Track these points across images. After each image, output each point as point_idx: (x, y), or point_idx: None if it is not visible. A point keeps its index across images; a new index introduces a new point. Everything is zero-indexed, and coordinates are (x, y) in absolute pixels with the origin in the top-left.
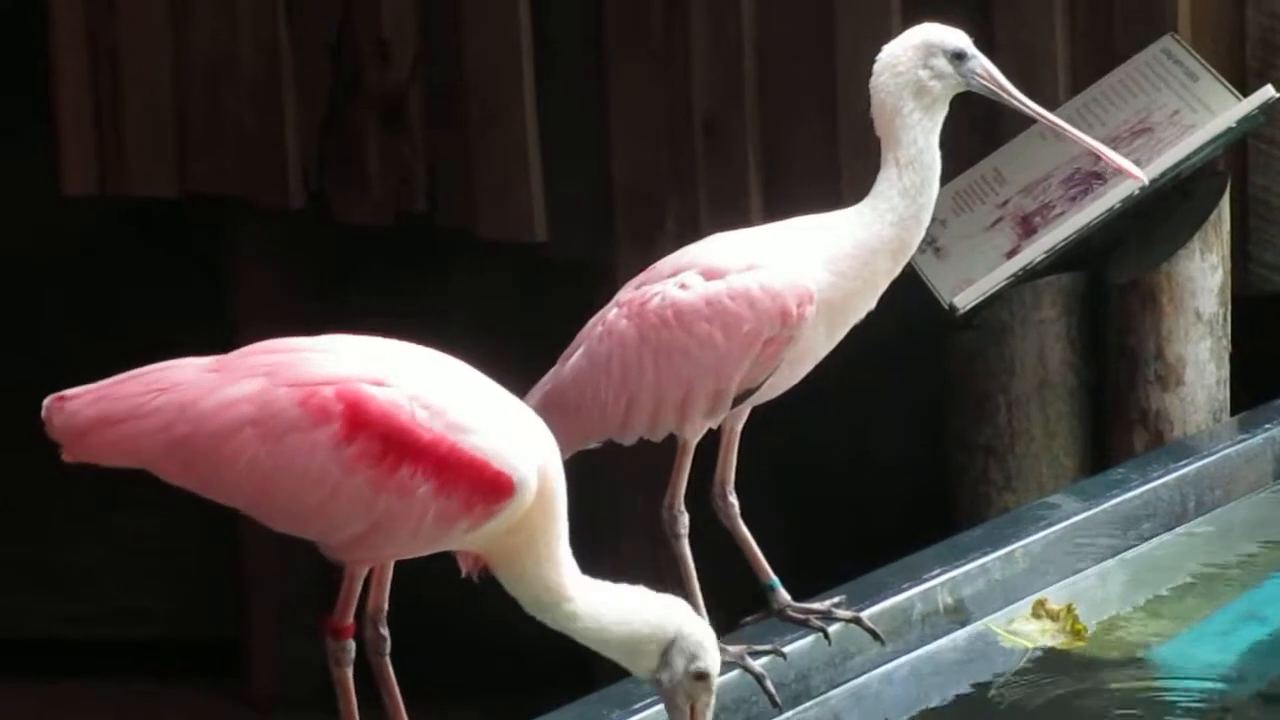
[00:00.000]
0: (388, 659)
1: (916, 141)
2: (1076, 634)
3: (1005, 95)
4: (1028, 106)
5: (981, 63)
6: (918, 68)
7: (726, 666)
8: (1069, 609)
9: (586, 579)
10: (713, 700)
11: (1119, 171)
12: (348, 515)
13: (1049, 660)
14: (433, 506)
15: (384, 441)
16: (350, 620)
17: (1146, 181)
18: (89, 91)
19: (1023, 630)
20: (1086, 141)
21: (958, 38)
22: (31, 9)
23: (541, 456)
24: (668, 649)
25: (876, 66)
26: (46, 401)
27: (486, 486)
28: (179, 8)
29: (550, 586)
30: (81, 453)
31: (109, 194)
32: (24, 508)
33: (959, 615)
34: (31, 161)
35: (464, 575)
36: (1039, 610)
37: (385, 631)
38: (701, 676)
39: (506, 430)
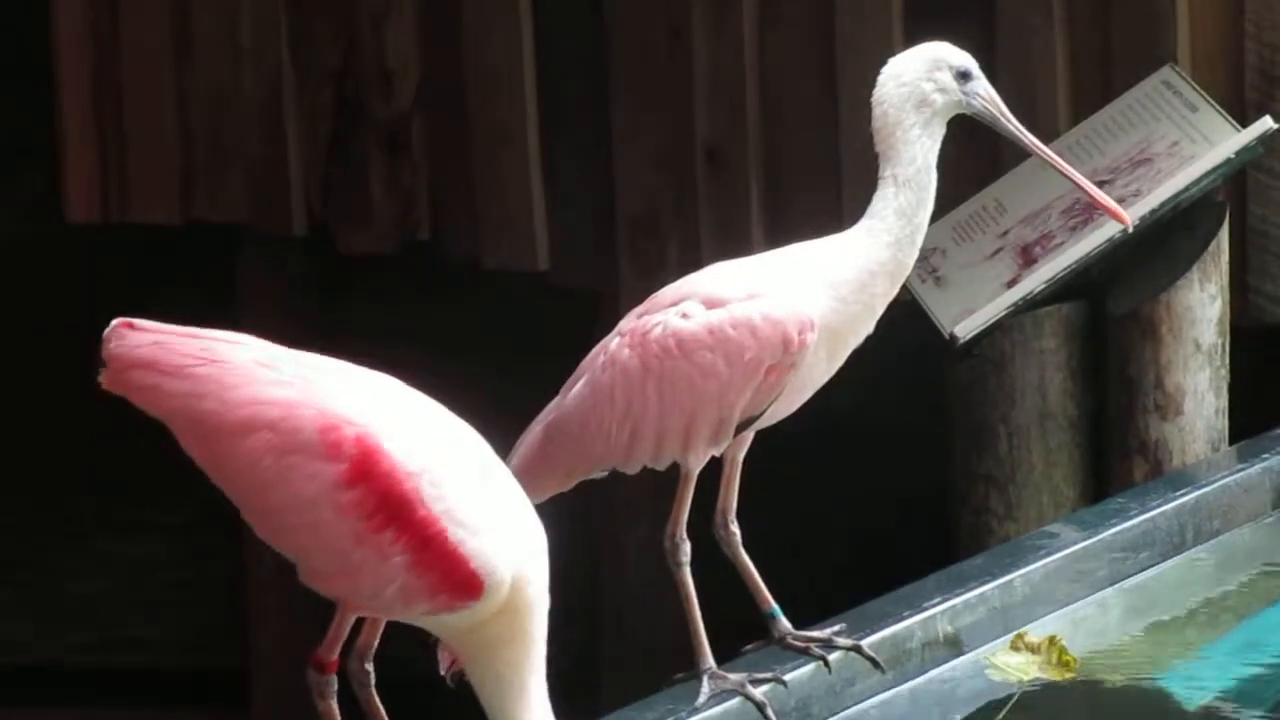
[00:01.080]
0: (373, 692)
1: (915, 160)
2: (1065, 665)
3: (1004, 121)
4: (1024, 136)
5: (984, 86)
6: (922, 80)
7: (728, 695)
8: (1052, 640)
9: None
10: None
11: (1104, 212)
12: (324, 552)
13: (1049, 690)
14: (401, 578)
15: (381, 500)
16: (335, 657)
17: (1131, 226)
18: (93, 120)
19: (1008, 663)
20: (1077, 179)
21: (965, 57)
22: (38, 39)
23: (525, 565)
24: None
25: (882, 76)
26: (113, 323)
27: (456, 582)
28: (182, 37)
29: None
30: (120, 385)
31: (112, 221)
32: (27, 536)
33: (959, 644)
34: (38, 189)
35: (442, 675)
36: (1018, 643)
37: (370, 667)
38: (964, 73)
39: (498, 532)
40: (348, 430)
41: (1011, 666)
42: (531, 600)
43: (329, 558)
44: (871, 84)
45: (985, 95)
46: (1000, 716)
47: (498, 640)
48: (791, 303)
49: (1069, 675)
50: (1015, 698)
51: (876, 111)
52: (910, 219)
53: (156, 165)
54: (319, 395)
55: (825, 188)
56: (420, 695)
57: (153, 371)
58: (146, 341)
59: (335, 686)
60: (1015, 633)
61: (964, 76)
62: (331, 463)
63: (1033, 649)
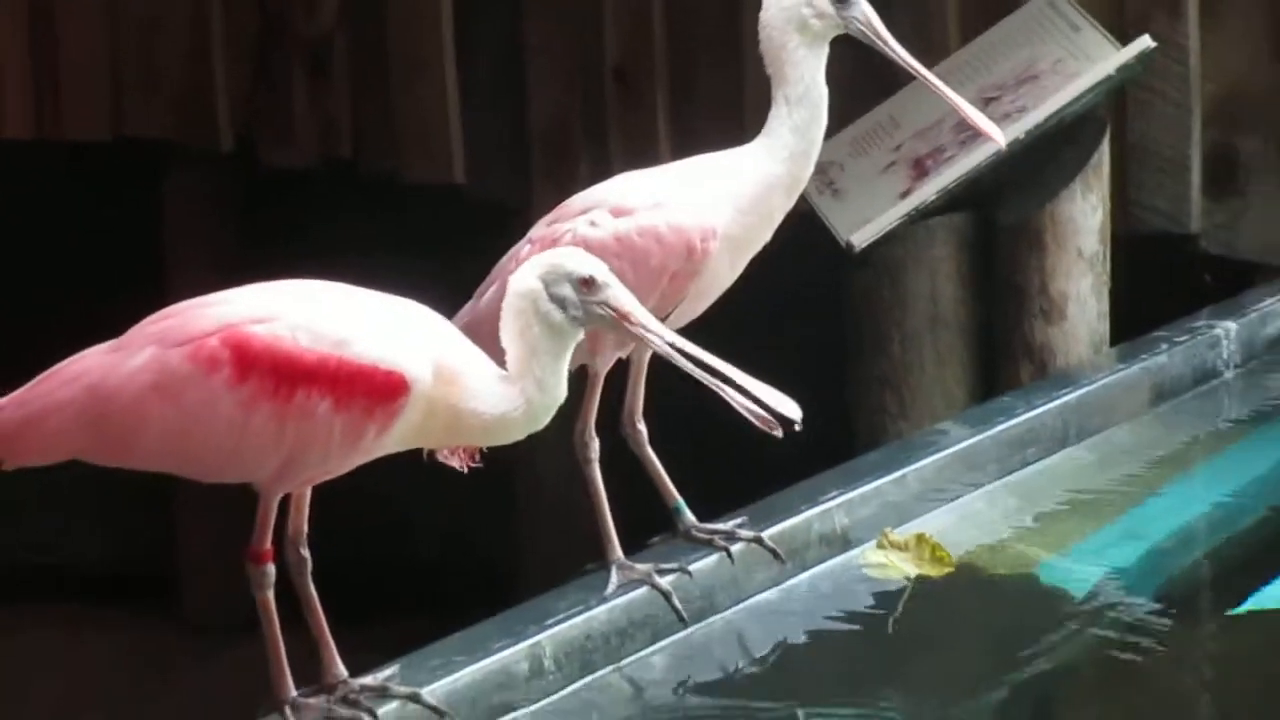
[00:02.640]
0: (309, 579)
1: (804, 78)
2: (940, 561)
3: (881, 44)
4: (902, 57)
5: (863, 9)
6: (801, 5)
7: (635, 584)
8: (920, 538)
9: (492, 379)
10: (619, 289)
11: (978, 131)
12: (261, 452)
13: (939, 582)
14: (337, 421)
15: (274, 373)
16: (268, 546)
17: (1005, 145)
18: (28, 43)
19: (881, 562)
20: (953, 99)
21: None
22: None
23: (433, 347)
24: (549, 298)
25: (765, 2)
26: None
27: (380, 389)
28: None
29: (496, 416)
30: (17, 457)
31: (46, 137)
32: None
33: (855, 536)
34: None
35: (467, 470)
36: (884, 542)
37: (305, 553)
38: (588, 281)
39: (392, 333)
40: (211, 340)
41: (888, 564)
42: (456, 367)
43: (270, 453)
44: None
45: (863, 19)
46: (900, 607)
47: (456, 402)
48: (695, 212)
49: (946, 570)
50: (908, 589)
51: (762, 35)
52: (804, 134)
53: (88, 84)
54: (171, 334)
55: (729, 106)
56: (353, 576)
57: (33, 427)
58: (11, 411)
59: (272, 578)
60: (881, 532)
61: (841, 1)
62: (216, 373)
63: (898, 547)
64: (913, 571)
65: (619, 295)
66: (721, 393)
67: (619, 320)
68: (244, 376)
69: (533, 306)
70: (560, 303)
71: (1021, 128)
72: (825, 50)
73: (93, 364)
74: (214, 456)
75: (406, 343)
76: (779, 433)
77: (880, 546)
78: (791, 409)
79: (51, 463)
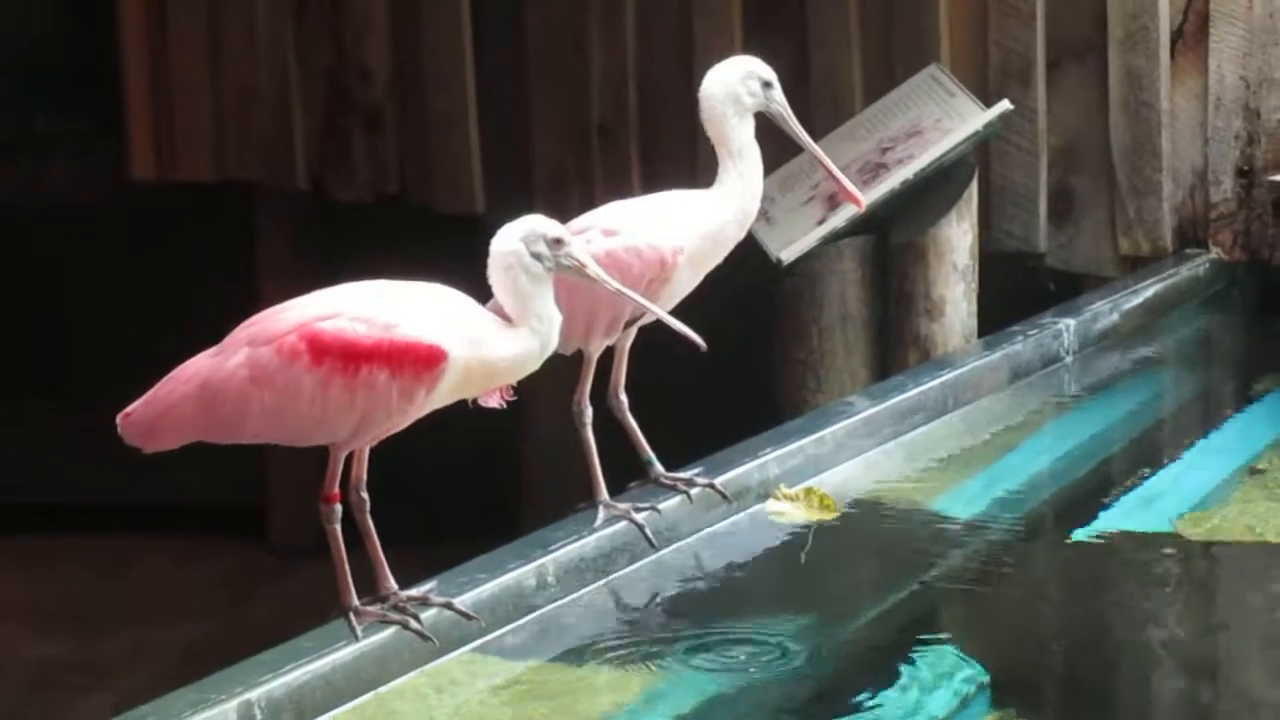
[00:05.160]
0: (368, 516)
1: (739, 138)
2: (826, 508)
3: (788, 122)
4: (801, 136)
5: (779, 95)
6: (737, 85)
7: (617, 519)
8: (809, 491)
9: (505, 332)
10: (578, 247)
11: (844, 198)
12: (339, 418)
13: (847, 516)
14: (394, 387)
15: (342, 356)
16: (336, 490)
17: (864, 207)
18: (150, 102)
19: (779, 510)
20: (831, 170)
21: (768, 71)
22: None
23: (459, 320)
24: (530, 255)
25: (707, 82)
26: (118, 419)
27: (424, 359)
28: (215, 43)
29: (518, 356)
30: (153, 445)
31: (164, 178)
32: (91, 391)
33: (785, 482)
34: (104, 153)
35: (503, 406)
36: (779, 494)
37: (365, 495)
38: (558, 240)
39: (428, 315)
40: (290, 337)
41: (784, 513)
42: (484, 340)
43: (346, 418)
44: None
45: (779, 101)
46: (811, 539)
47: (496, 361)
48: (667, 235)
49: (833, 515)
50: (816, 524)
51: (704, 107)
52: (749, 181)
53: (198, 136)
54: (258, 337)
55: (685, 155)
56: (399, 513)
57: (161, 422)
58: (141, 412)
59: (339, 514)
60: (776, 487)
61: (767, 85)
62: (297, 362)
63: (791, 498)
64: (803, 517)
65: (578, 251)
66: (658, 316)
67: (580, 268)
68: (319, 361)
69: (518, 262)
70: (537, 257)
71: (910, 170)
72: (752, 121)
73: (200, 367)
74: (303, 426)
75: (440, 320)
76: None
77: (776, 498)
78: (697, 339)
79: (180, 445)
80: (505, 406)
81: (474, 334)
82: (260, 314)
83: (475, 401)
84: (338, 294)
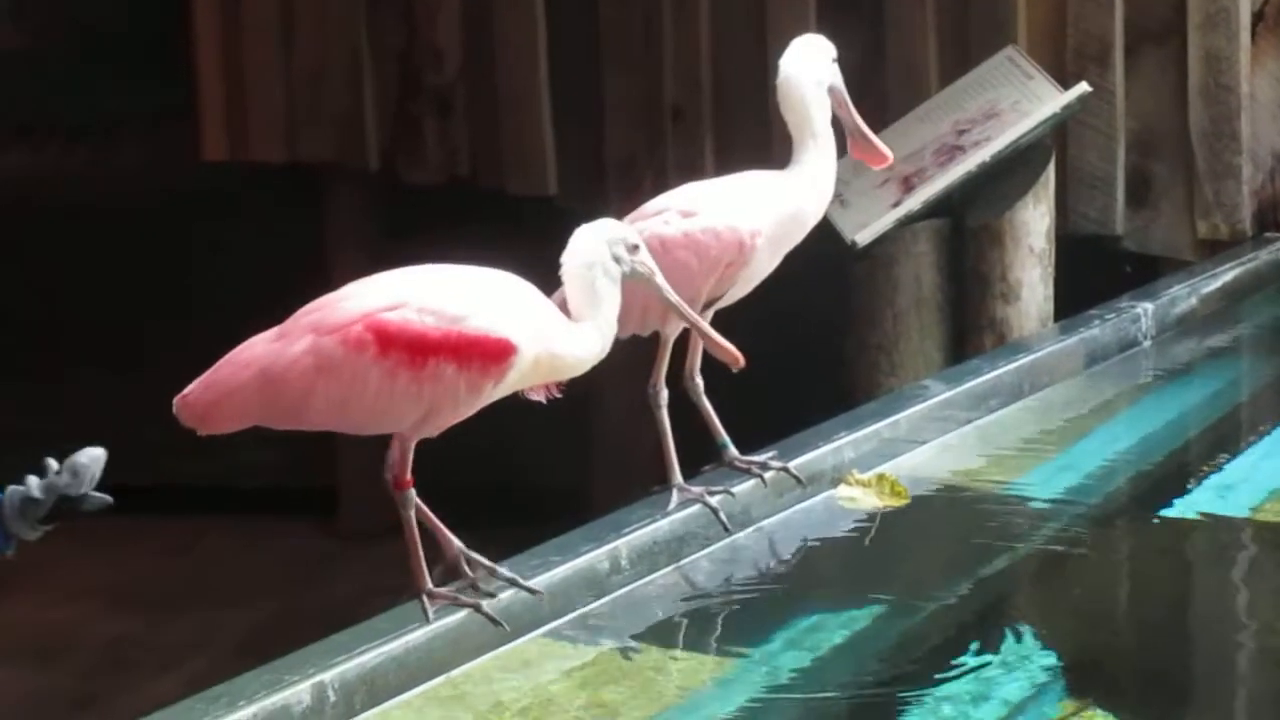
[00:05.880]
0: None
1: (820, 119)
2: (898, 495)
3: (846, 107)
4: (846, 108)
5: (836, 70)
6: (819, 64)
7: (691, 502)
8: (881, 477)
9: (573, 329)
10: (647, 253)
11: (870, 149)
12: (405, 409)
13: (923, 500)
14: (461, 380)
15: (409, 348)
16: (409, 476)
17: (891, 161)
18: (223, 85)
19: (850, 496)
20: (860, 125)
21: (832, 50)
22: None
23: (528, 313)
24: (612, 258)
25: (786, 63)
26: (174, 401)
27: (493, 353)
28: (287, 24)
29: (582, 355)
30: (210, 428)
31: (236, 159)
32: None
33: (859, 466)
34: (174, 134)
35: (545, 401)
36: (850, 480)
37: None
38: (635, 246)
39: (497, 306)
40: (356, 327)
41: (855, 498)
42: (550, 335)
43: (412, 409)
44: None
45: (841, 86)
46: (878, 522)
47: (563, 357)
48: (746, 216)
49: (904, 502)
50: (885, 512)
51: (785, 88)
52: (826, 161)
53: (270, 118)
54: (323, 325)
55: (759, 137)
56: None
57: (218, 406)
58: (199, 395)
59: (414, 499)
60: (847, 472)
61: (833, 60)
62: (364, 352)
63: (862, 484)
64: (875, 504)
65: (648, 258)
66: (696, 331)
67: (650, 274)
68: (386, 353)
69: (600, 262)
70: (617, 260)
71: (987, 152)
72: (829, 101)
73: (260, 352)
74: (368, 417)
75: (509, 313)
76: (739, 366)
77: (847, 483)
78: (736, 354)
79: (236, 430)
80: (546, 402)
81: (542, 328)
82: (320, 300)
83: (522, 391)
84: (401, 281)
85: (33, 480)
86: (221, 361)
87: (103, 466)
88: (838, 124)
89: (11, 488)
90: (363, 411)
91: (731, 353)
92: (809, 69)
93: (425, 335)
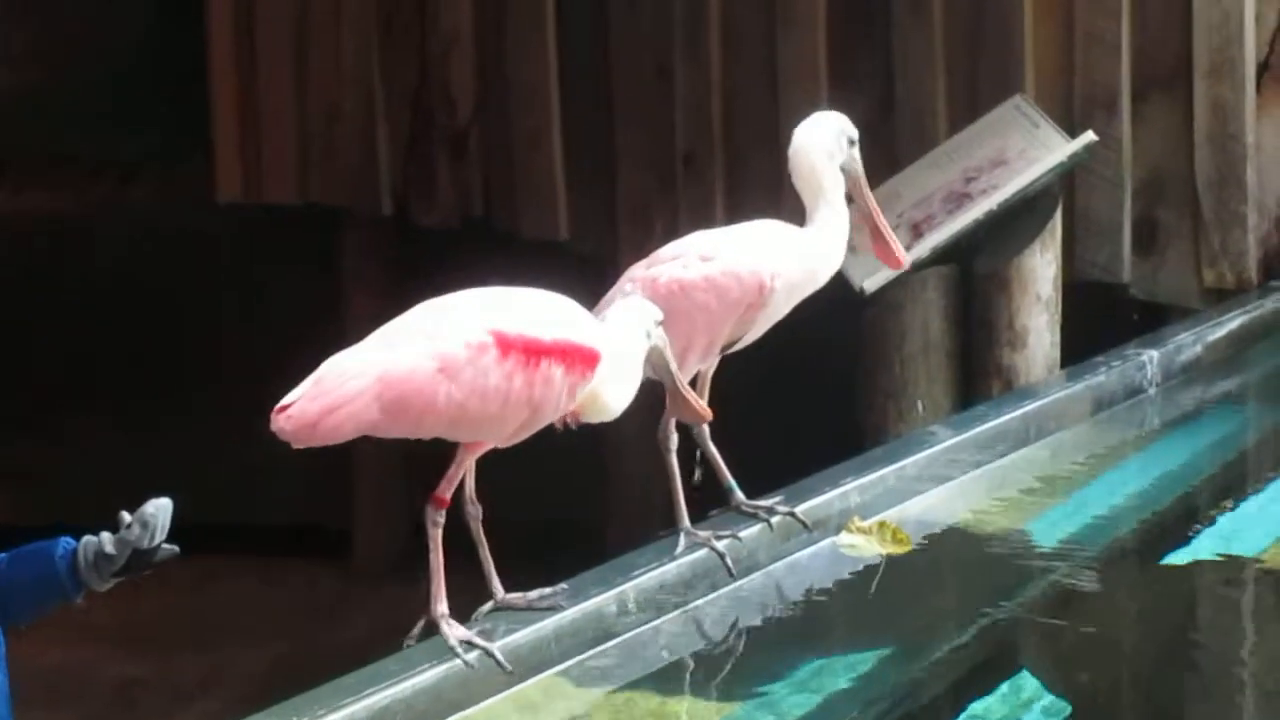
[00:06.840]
0: (480, 526)
1: (834, 189)
2: (900, 542)
3: (859, 182)
4: (867, 197)
5: (857, 154)
6: (832, 140)
7: (698, 546)
8: (882, 524)
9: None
10: (661, 335)
11: (887, 250)
12: (515, 411)
13: (931, 543)
14: (565, 383)
15: (525, 351)
16: (449, 495)
17: (907, 265)
18: (239, 128)
19: (852, 543)
20: (882, 226)
21: (854, 130)
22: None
23: (604, 334)
24: (642, 326)
25: (800, 135)
26: (273, 414)
27: (587, 359)
28: (301, 68)
29: (614, 397)
30: (312, 440)
31: (250, 200)
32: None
33: (866, 512)
34: (189, 175)
35: (561, 429)
36: (851, 527)
37: (478, 507)
38: (661, 320)
39: (582, 324)
40: (478, 332)
41: (857, 545)
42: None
43: (521, 411)
44: (804, 112)
45: (857, 158)
46: (883, 570)
47: (602, 393)
48: (765, 259)
49: (906, 549)
50: (898, 554)
51: (796, 159)
52: (841, 220)
53: (283, 161)
54: (439, 330)
55: (770, 185)
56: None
57: (329, 415)
58: (305, 405)
59: (444, 519)
60: (849, 519)
61: (851, 142)
62: (485, 355)
63: (864, 531)
64: (877, 551)
65: (663, 335)
66: (674, 382)
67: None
68: (506, 354)
69: (644, 336)
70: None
71: (995, 200)
72: (840, 172)
73: (371, 359)
74: (481, 419)
75: (591, 330)
76: (706, 419)
77: (849, 531)
78: (704, 412)
79: (339, 442)
80: (561, 430)
81: (611, 340)
82: (417, 308)
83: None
84: (499, 296)
85: (106, 536)
86: (318, 374)
87: (170, 515)
88: (869, 167)
89: (86, 539)
90: (479, 415)
91: (699, 411)
92: (820, 140)
93: (539, 339)
